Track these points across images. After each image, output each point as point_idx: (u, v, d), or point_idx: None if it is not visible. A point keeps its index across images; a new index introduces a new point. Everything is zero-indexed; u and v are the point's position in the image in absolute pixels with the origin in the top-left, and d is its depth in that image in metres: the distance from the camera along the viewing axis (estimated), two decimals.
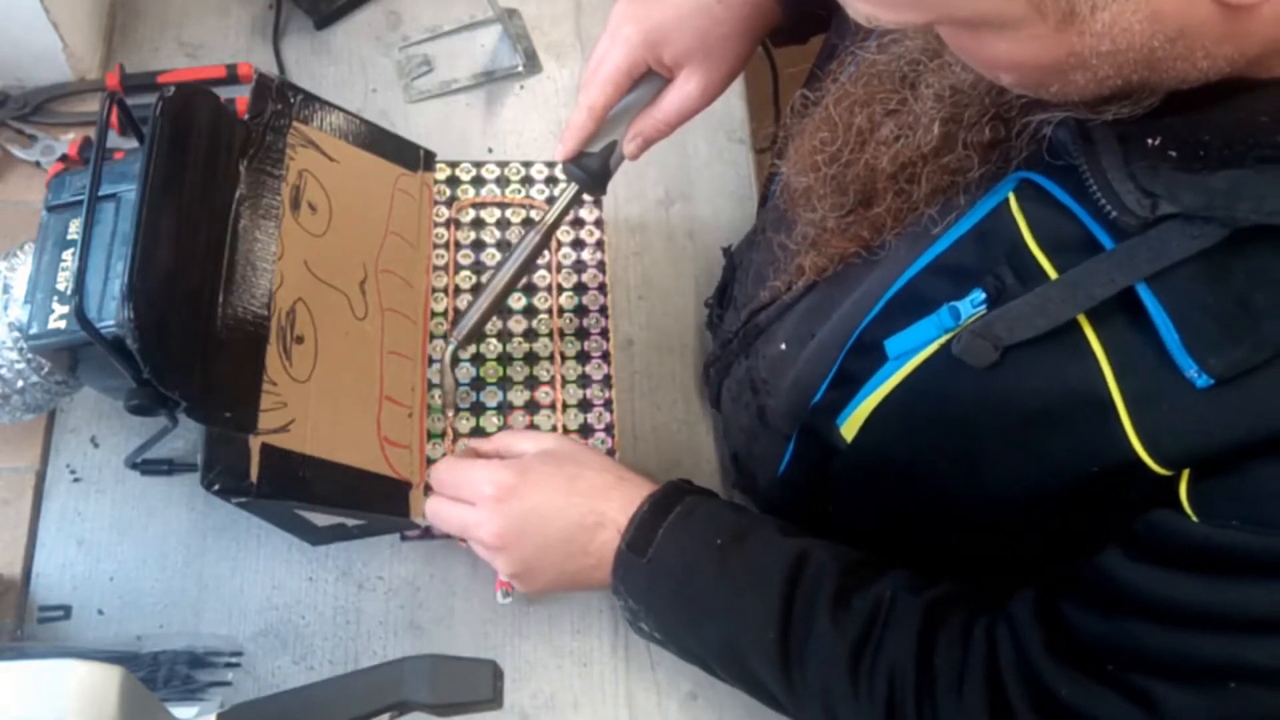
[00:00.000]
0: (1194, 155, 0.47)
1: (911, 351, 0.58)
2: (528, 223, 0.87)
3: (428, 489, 0.75)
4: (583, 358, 0.83)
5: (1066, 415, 0.52)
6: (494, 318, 0.82)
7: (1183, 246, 0.47)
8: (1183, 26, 0.43)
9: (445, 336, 0.81)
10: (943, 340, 0.56)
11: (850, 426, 0.63)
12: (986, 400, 0.55)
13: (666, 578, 0.66)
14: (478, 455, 0.76)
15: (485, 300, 0.76)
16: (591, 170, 0.72)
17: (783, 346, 0.73)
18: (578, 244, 0.87)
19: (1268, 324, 0.46)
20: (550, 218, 0.75)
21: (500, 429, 0.79)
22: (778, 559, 0.64)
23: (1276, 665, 0.49)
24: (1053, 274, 0.52)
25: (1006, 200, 0.55)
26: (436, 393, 0.79)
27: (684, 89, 0.70)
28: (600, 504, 0.69)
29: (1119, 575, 0.53)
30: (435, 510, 0.73)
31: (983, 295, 0.54)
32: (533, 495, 0.69)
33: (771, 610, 0.63)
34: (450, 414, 0.79)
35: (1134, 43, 0.43)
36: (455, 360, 0.80)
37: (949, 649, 0.60)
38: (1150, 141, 0.48)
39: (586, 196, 0.88)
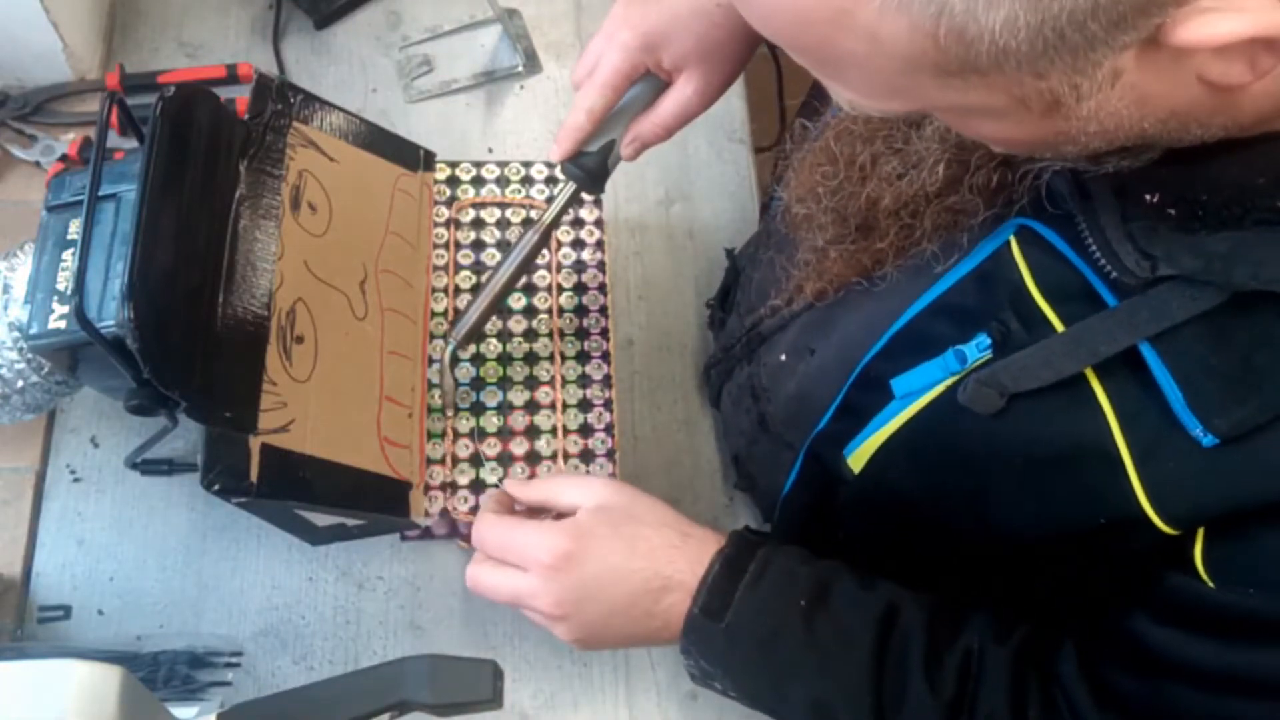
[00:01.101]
0: (1192, 214, 0.47)
1: (918, 392, 0.58)
2: (528, 223, 0.87)
3: (427, 489, 0.76)
4: (583, 358, 0.83)
5: (1074, 465, 0.52)
6: (494, 318, 0.82)
7: (1183, 308, 0.47)
8: (1172, 109, 0.43)
9: (445, 336, 0.81)
10: (948, 383, 0.56)
11: (858, 459, 0.62)
12: (993, 445, 0.55)
13: (748, 642, 0.64)
14: (514, 501, 0.72)
15: (484, 300, 0.76)
16: (589, 169, 0.72)
17: (783, 357, 0.73)
18: (578, 244, 0.87)
19: (1270, 385, 0.46)
20: (549, 217, 0.75)
21: (500, 429, 0.79)
22: (864, 618, 0.63)
23: None
24: (1056, 322, 0.52)
25: (1008, 243, 0.55)
26: (436, 393, 0.79)
27: (682, 93, 0.70)
28: (665, 567, 0.65)
29: (1149, 639, 0.53)
30: (483, 580, 0.68)
31: (988, 340, 0.54)
32: (591, 561, 0.65)
33: (863, 673, 0.61)
34: (450, 414, 0.79)
35: (1122, 124, 0.43)
36: (455, 360, 0.80)
37: (1038, 702, 0.59)
38: (1149, 198, 0.48)
39: (586, 196, 0.88)
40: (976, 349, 0.54)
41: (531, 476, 0.77)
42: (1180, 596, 0.51)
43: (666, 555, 0.66)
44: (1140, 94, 0.41)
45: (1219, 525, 0.49)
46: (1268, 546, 0.47)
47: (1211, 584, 0.49)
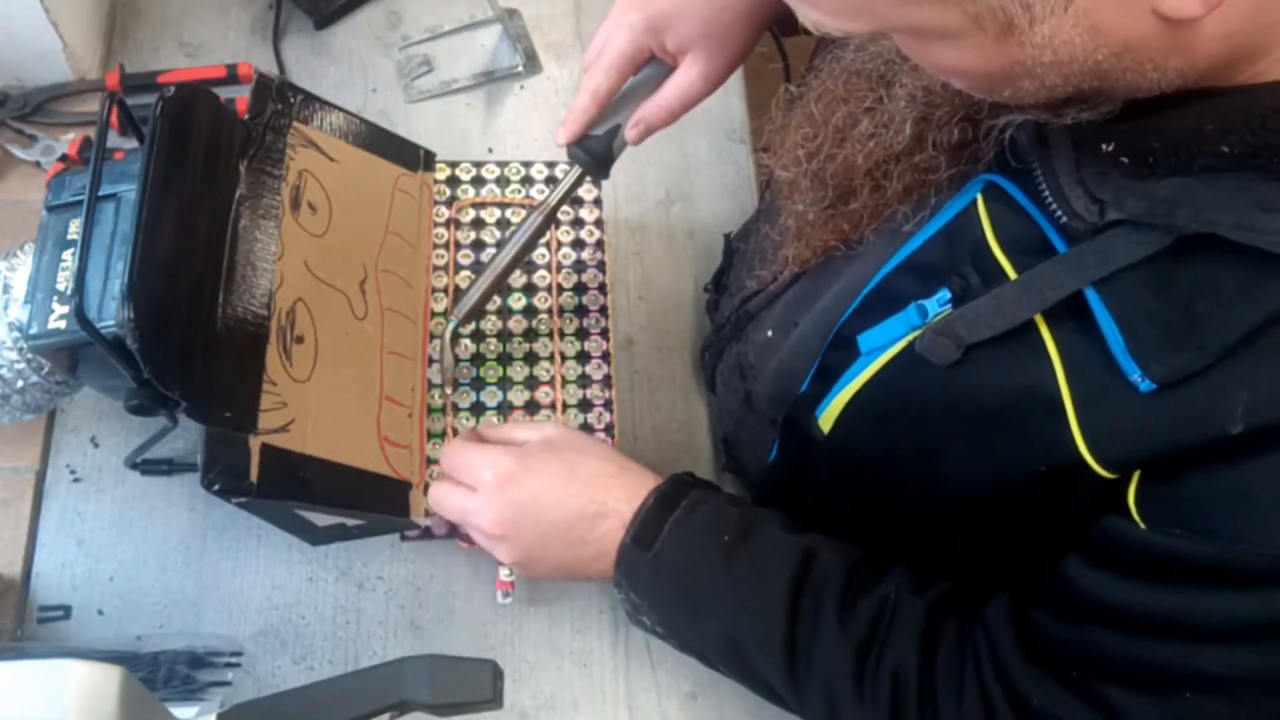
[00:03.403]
0: (1143, 162, 0.48)
1: (882, 347, 0.59)
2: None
3: (427, 489, 0.76)
4: (583, 358, 0.83)
5: (1020, 414, 0.53)
6: (494, 317, 0.83)
7: (1129, 252, 0.48)
8: (1125, 41, 0.43)
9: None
10: (910, 337, 0.57)
11: (827, 418, 0.63)
12: (948, 397, 0.56)
13: (671, 573, 0.66)
14: (482, 440, 0.75)
15: (487, 279, 0.76)
16: (595, 153, 0.72)
17: (769, 333, 0.74)
18: (578, 244, 0.87)
19: (1207, 331, 0.46)
20: (553, 199, 0.75)
21: None
22: (784, 558, 0.64)
23: (1229, 674, 0.49)
24: (1012, 274, 0.53)
25: (975, 201, 0.56)
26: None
27: (687, 76, 0.70)
28: (601, 493, 0.68)
29: (1079, 582, 0.54)
30: (437, 496, 0.72)
31: (948, 294, 0.55)
32: (532, 483, 0.68)
33: (777, 611, 0.62)
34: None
35: (1077, 55, 0.44)
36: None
37: (949, 653, 0.60)
38: (1104, 147, 0.49)
39: (586, 196, 0.88)
40: (937, 303, 0.56)
41: None
42: (1112, 538, 0.52)
43: (603, 482, 0.68)
44: (1093, 22, 0.42)
45: (1153, 469, 0.50)
46: (1195, 489, 0.48)
47: (1143, 526, 0.50)
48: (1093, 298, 0.49)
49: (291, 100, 0.75)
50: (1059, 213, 0.50)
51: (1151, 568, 0.50)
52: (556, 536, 0.68)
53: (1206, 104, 0.47)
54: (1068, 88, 0.47)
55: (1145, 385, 0.47)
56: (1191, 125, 0.47)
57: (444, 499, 0.71)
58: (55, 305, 0.63)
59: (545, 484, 0.68)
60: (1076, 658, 0.54)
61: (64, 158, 0.87)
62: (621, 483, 0.68)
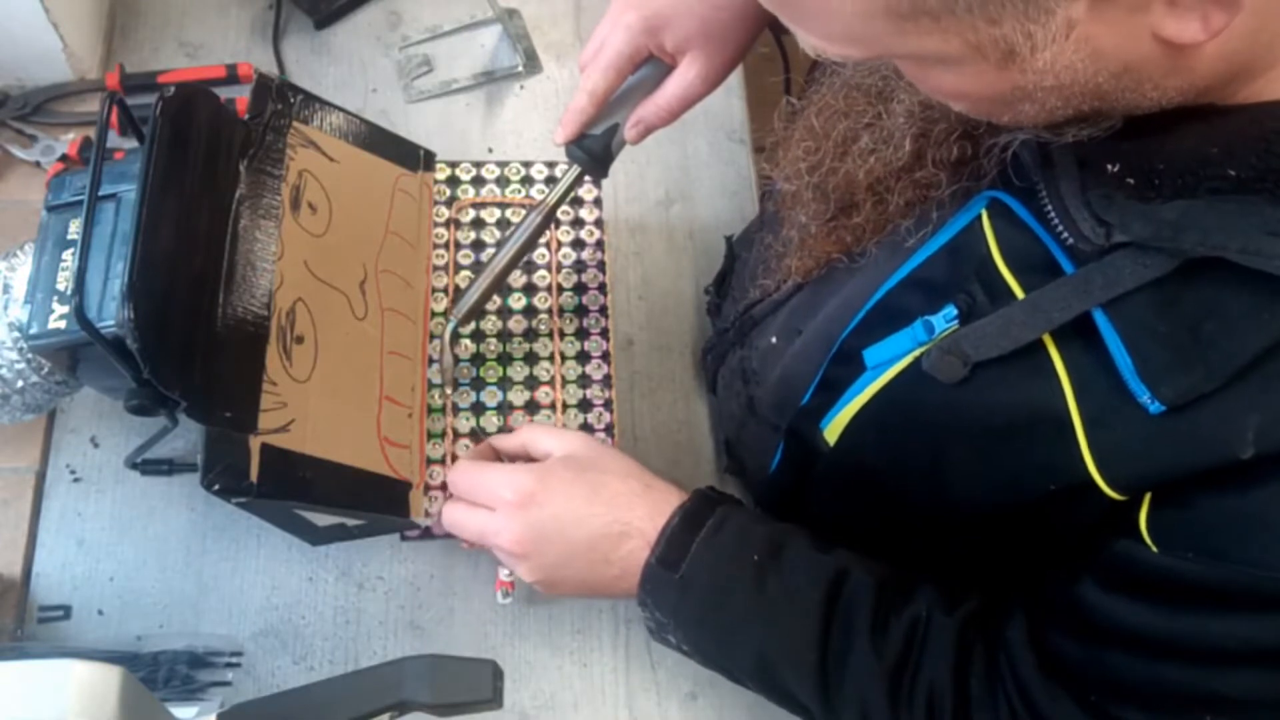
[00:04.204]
0: (1149, 184, 0.48)
1: (888, 362, 0.59)
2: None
3: (427, 489, 0.76)
4: (583, 358, 0.83)
5: (1028, 432, 0.53)
6: (494, 316, 0.83)
7: (1135, 275, 0.48)
8: (1126, 64, 0.43)
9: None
10: (916, 353, 0.57)
11: (832, 431, 0.63)
12: (955, 413, 0.56)
13: (699, 593, 0.65)
14: (496, 452, 0.75)
15: (485, 279, 0.76)
16: (593, 152, 0.72)
17: (773, 340, 0.74)
18: (578, 244, 0.87)
19: (1215, 354, 0.46)
20: (552, 198, 0.75)
21: (500, 429, 0.79)
22: (814, 578, 0.64)
23: (1246, 697, 0.50)
24: (1019, 292, 0.53)
25: (979, 217, 0.56)
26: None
27: (684, 76, 0.70)
28: (625, 513, 0.67)
29: (1094, 605, 0.54)
30: (452, 517, 0.70)
31: (955, 311, 0.55)
32: (554, 502, 0.67)
33: (810, 632, 0.62)
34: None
35: (1077, 78, 0.44)
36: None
37: (981, 674, 0.60)
38: (1110, 167, 0.49)
39: (586, 196, 0.88)
40: (944, 320, 0.55)
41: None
42: (1124, 561, 0.52)
43: (627, 502, 0.67)
44: (1095, 47, 0.42)
45: (1164, 491, 0.50)
46: (1207, 512, 0.48)
47: (1155, 549, 0.50)
48: (1100, 319, 0.49)
49: (291, 100, 0.75)
50: (1065, 234, 0.50)
51: (1164, 591, 0.50)
52: (579, 556, 0.67)
53: (1209, 124, 0.47)
54: (1068, 110, 0.47)
55: (1155, 407, 0.47)
56: (1195, 147, 0.47)
57: (461, 520, 0.70)
58: (55, 305, 0.63)
59: (567, 504, 0.67)
60: (1095, 680, 0.55)
61: (64, 158, 0.87)
62: (646, 501, 0.67)
